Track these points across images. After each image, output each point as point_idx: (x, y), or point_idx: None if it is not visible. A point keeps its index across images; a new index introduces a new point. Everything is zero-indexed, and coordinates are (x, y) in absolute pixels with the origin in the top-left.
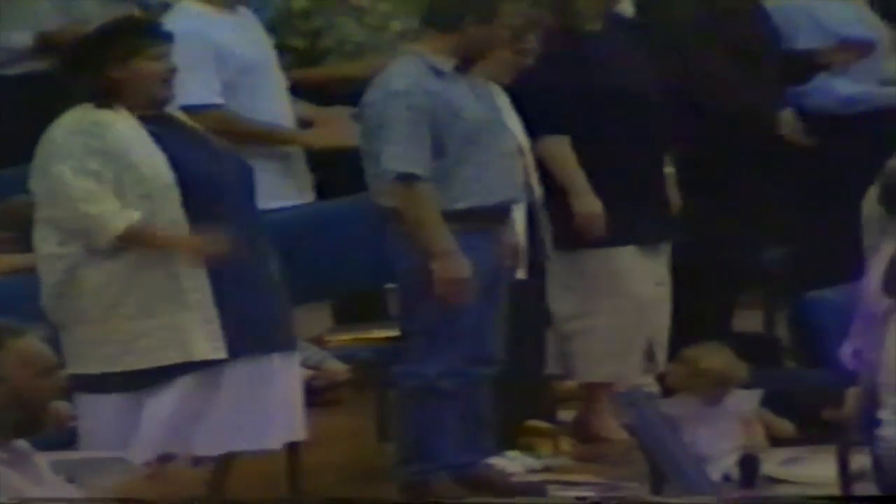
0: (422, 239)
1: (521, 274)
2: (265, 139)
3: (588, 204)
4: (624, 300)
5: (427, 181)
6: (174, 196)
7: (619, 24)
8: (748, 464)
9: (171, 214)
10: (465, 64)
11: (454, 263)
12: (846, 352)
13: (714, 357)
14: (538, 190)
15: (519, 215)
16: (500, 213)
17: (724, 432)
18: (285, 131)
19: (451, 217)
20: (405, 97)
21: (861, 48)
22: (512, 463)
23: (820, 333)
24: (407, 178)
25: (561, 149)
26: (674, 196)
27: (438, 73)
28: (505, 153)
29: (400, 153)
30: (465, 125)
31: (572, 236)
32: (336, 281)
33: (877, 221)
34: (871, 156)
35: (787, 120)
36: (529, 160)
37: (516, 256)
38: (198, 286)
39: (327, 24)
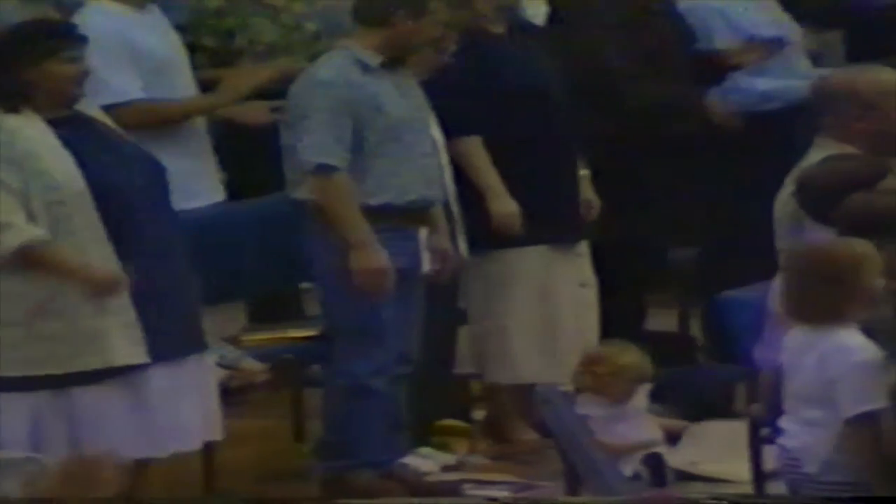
0: (339, 231)
1: (447, 275)
2: (190, 112)
3: (504, 204)
4: (536, 300)
5: (344, 173)
6: (87, 201)
7: (524, 27)
8: (653, 461)
9: (86, 219)
10: (394, 60)
11: (372, 255)
12: (760, 351)
13: (627, 354)
14: (452, 189)
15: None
16: (417, 212)
17: (634, 430)
18: (203, 98)
19: (367, 212)
20: (329, 87)
21: (770, 47)
22: (427, 462)
23: (733, 333)
24: (325, 169)
25: (474, 149)
26: (594, 197)
27: (365, 67)
28: (424, 152)
29: (319, 143)
30: (386, 120)
31: (485, 236)
32: (250, 280)
33: (789, 221)
34: (781, 154)
35: (716, 105)
36: (444, 158)
37: (445, 259)
38: None
39: (241, 23)
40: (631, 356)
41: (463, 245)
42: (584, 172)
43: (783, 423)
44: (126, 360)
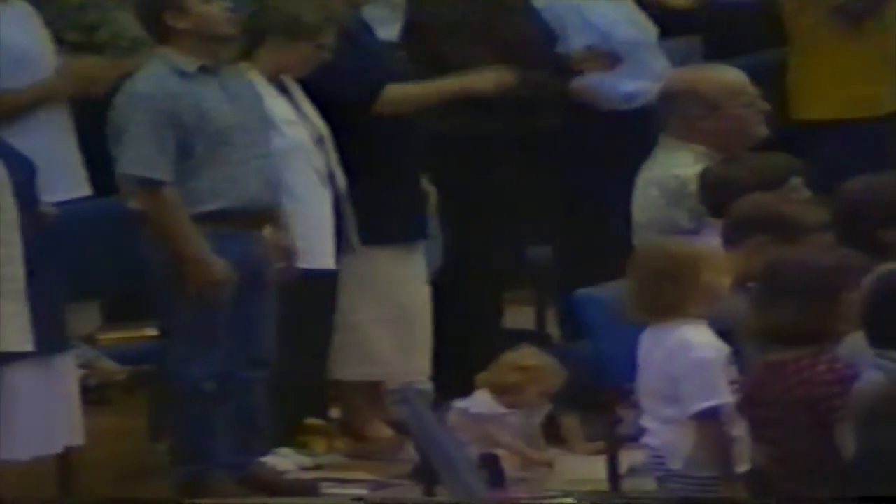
0: (171, 244)
1: (330, 265)
2: (39, 97)
3: None
4: (383, 299)
5: (171, 185)
6: None
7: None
8: (489, 462)
9: None
10: (218, 62)
11: (206, 268)
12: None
13: (539, 359)
14: (342, 181)
15: (325, 208)
16: (258, 215)
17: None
18: (48, 80)
19: (203, 219)
20: (148, 100)
21: (609, 59)
22: (285, 461)
23: (589, 330)
24: (149, 183)
25: None
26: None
27: (183, 74)
28: (260, 153)
29: (141, 157)
30: (213, 126)
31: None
32: (105, 279)
33: (661, 222)
34: (634, 153)
35: (583, 89)
36: (331, 150)
37: (289, 258)
38: (14, 275)
39: (103, 18)
40: (544, 359)
41: (355, 237)
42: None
43: (644, 421)
44: (14, 347)
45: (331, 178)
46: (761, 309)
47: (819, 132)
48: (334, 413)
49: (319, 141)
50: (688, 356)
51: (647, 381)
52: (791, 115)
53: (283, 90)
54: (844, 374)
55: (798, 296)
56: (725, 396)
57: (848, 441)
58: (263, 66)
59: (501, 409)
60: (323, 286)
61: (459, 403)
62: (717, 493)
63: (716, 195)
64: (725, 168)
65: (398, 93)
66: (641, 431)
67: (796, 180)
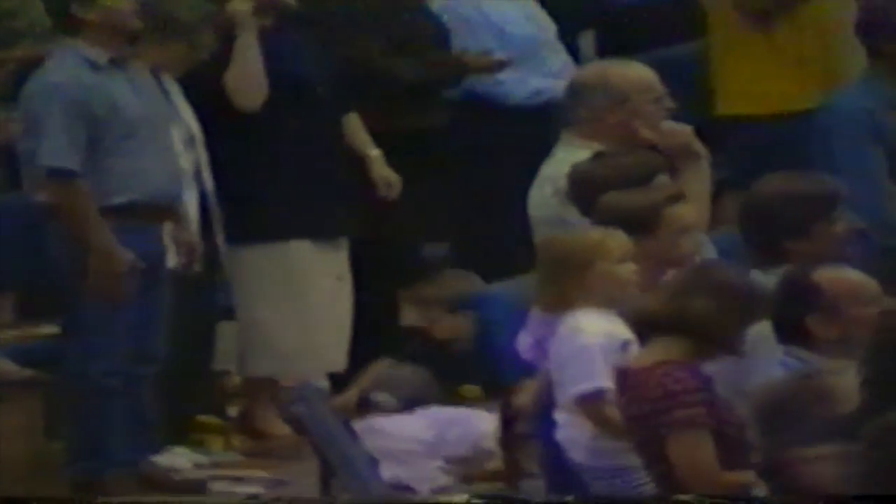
0: (78, 234)
1: (196, 267)
2: None
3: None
4: (296, 295)
5: (82, 176)
6: None
7: (291, 18)
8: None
9: None
10: (125, 56)
11: (111, 259)
12: (524, 342)
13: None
14: (210, 182)
15: (192, 209)
16: (162, 209)
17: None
18: None
19: (110, 212)
20: (60, 90)
21: (501, 61)
22: (179, 459)
23: (489, 328)
24: (61, 174)
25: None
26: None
27: (94, 66)
28: (165, 147)
29: (54, 148)
30: (123, 119)
31: (245, 230)
32: (9, 275)
33: (554, 220)
34: (529, 150)
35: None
36: (202, 152)
37: (191, 253)
38: None
39: (20, 4)
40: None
41: (221, 238)
42: (375, 153)
43: (556, 414)
44: None
45: (197, 177)
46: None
47: (733, 127)
48: (231, 410)
49: (190, 141)
50: (573, 341)
51: (551, 372)
52: (709, 111)
53: (162, 89)
54: (676, 389)
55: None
56: (606, 382)
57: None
58: (142, 62)
59: None
60: (197, 283)
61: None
62: (623, 485)
63: (583, 193)
64: (592, 166)
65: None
66: (553, 425)
67: (663, 178)
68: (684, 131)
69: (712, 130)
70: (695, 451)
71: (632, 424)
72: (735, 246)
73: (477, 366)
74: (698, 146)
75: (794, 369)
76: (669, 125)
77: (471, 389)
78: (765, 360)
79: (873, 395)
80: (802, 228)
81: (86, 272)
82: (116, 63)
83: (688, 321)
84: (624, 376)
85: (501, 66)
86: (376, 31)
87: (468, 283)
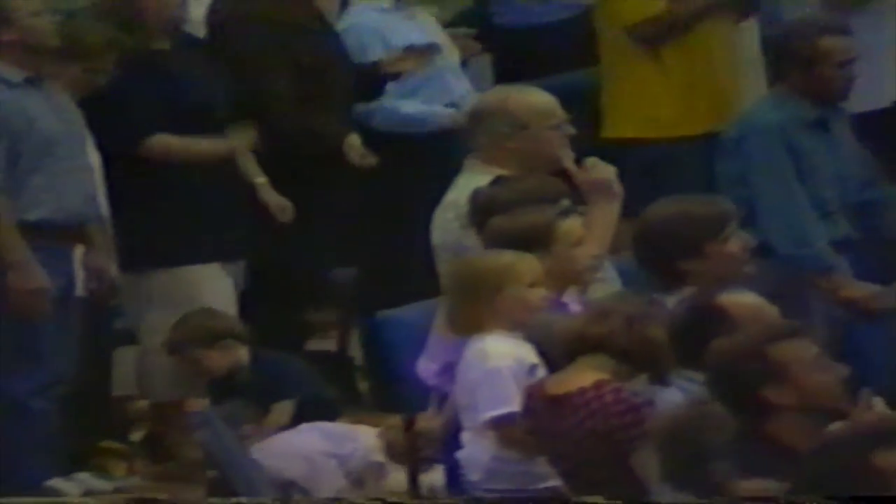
0: None
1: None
2: None
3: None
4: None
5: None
6: None
7: (190, 43)
8: None
9: None
10: (40, 76)
11: (28, 274)
12: (426, 368)
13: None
14: (105, 207)
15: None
16: (73, 230)
17: None
18: None
19: (22, 229)
20: None
21: (424, 53)
22: (79, 485)
23: (393, 351)
24: None
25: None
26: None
27: (10, 83)
28: (81, 167)
29: None
30: (39, 136)
31: (143, 254)
32: None
33: (455, 245)
34: (434, 176)
35: (352, 143)
36: (98, 176)
37: (102, 278)
38: None
39: None
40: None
41: (114, 262)
42: (261, 180)
43: (463, 436)
44: None
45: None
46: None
47: (624, 152)
48: (135, 436)
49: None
50: (482, 365)
51: (457, 394)
52: (600, 134)
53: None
54: (633, 403)
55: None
56: (517, 405)
57: (649, 463)
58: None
59: None
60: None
61: None
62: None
63: (485, 217)
64: (494, 190)
65: (161, 145)
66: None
67: (565, 202)
68: (607, 170)
69: (602, 155)
70: (654, 459)
71: (587, 442)
72: (635, 270)
73: (381, 389)
74: (618, 187)
75: (692, 393)
76: (594, 161)
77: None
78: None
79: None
80: (697, 248)
81: (2, 287)
82: (32, 82)
83: (641, 348)
84: (561, 399)
85: (426, 58)
86: (282, 56)
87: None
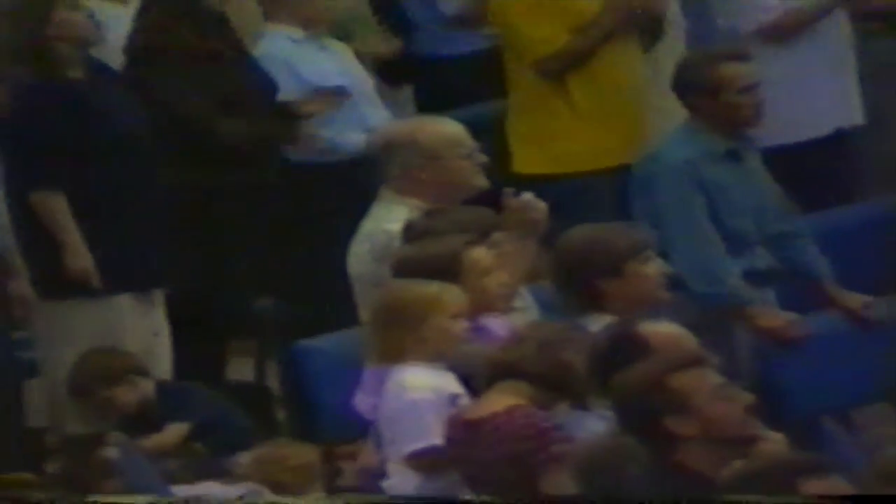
0: None
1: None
2: None
3: (77, 260)
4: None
5: None
6: None
7: (104, 72)
8: None
9: None
10: None
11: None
12: (363, 403)
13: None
14: (11, 240)
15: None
16: None
17: None
18: None
19: None
20: None
21: (335, 97)
22: None
23: (311, 382)
24: None
25: (50, 203)
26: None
27: None
28: None
29: None
30: None
31: (57, 286)
32: None
33: (371, 276)
34: (351, 204)
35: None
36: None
37: (24, 306)
38: None
39: None
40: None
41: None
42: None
43: (388, 466)
44: None
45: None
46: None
47: (531, 186)
48: (50, 467)
49: None
50: (401, 398)
51: (382, 424)
52: (509, 168)
53: None
54: (542, 428)
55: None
56: (437, 438)
57: (563, 487)
58: None
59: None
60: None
61: None
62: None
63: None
64: (429, 220)
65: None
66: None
67: (499, 235)
68: (539, 206)
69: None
70: (568, 483)
71: (497, 467)
72: (553, 300)
73: (298, 418)
74: (545, 226)
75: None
76: (528, 196)
77: None
78: (583, 413)
79: None
80: (616, 268)
81: None
82: None
83: (554, 372)
84: (476, 424)
85: (335, 101)
86: (202, 85)
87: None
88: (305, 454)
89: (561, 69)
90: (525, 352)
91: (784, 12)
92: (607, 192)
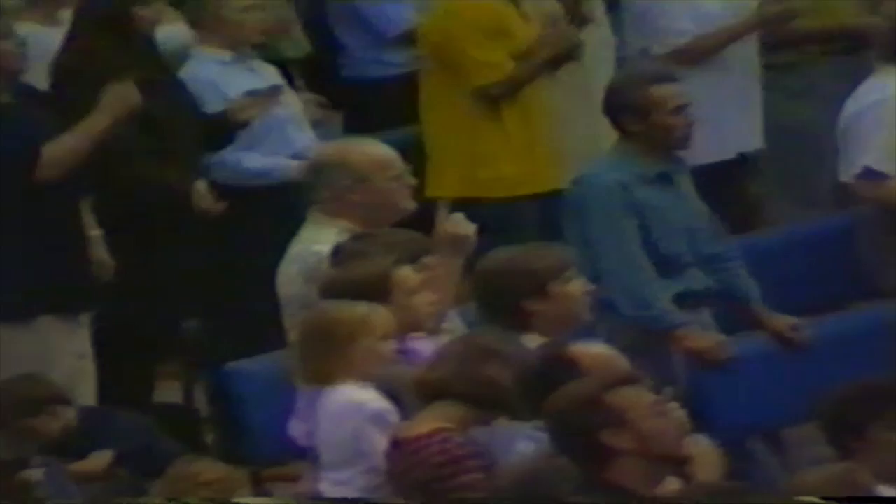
0: None
1: None
2: None
3: None
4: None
5: None
6: None
7: (30, 94)
8: None
9: None
10: None
11: None
12: (298, 429)
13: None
14: None
15: None
16: None
17: None
18: None
19: None
20: None
21: (267, 97)
22: None
23: (240, 404)
24: None
25: None
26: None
27: None
28: None
29: None
30: None
31: None
32: None
33: (301, 298)
34: (279, 227)
35: (199, 190)
36: None
37: None
38: None
39: None
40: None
41: None
42: (96, 233)
43: (322, 485)
44: None
45: None
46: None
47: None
48: None
49: None
50: (335, 418)
51: (319, 445)
52: (426, 192)
53: None
54: (456, 455)
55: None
56: (374, 457)
57: None
58: None
59: None
60: None
61: None
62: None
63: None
64: (358, 243)
65: (55, 151)
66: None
67: (430, 259)
68: (469, 227)
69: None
70: None
71: (414, 491)
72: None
73: (227, 441)
74: (472, 248)
75: (544, 443)
76: (459, 216)
77: None
78: (512, 433)
79: None
80: (541, 288)
81: None
82: None
83: (480, 390)
84: (401, 444)
85: (269, 103)
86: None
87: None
88: (216, 469)
89: (503, 95)
90: (448, 371)
91: (697, 36)
92: (536, 217)
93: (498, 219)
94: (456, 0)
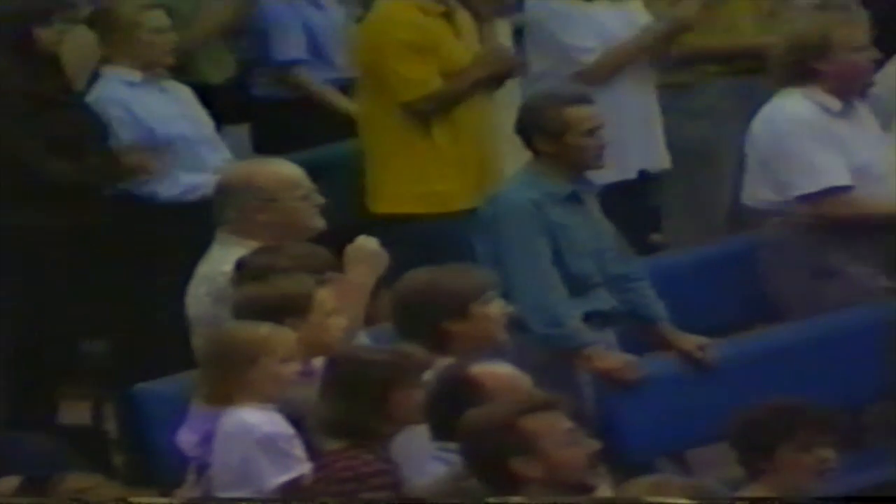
0: None
1: None
2: None
3: None
4: None
5: None
6: None
7: None
8: None
9: None
10: None
11: None
12: (185, 439)
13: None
14: None
15: None
16: None
17: None
18: None
19: None
20: None
21: (159, 152)
22: None
23: (148, 425)
24: None
25: None
26: None
27: None
28: None
29: None
30: None
31: None
32: None
33: (209, 318)
34: (190, 247)
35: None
36: None
37: None
38: None
39: None
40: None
41: None
42: None
43: None
44: None
45: None
46: (321, 400)
47: (394, 226)
48: None
49: None
50: (250, 436)
51: (214, 469)
52: (367, 208)
53: None
54: (361, 473)
55: (348, 390)
56: (303, 467)
57: None
58: None
59: None
60: None
61: None
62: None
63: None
64: (262, 257)
65: None
66: None
67: (332, 274)
68: (370, 242)
69: (369, 230)
70: None
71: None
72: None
73: (136, 463)
74: (384, 266)
75: (452, 464)
76: (362, 238)
77: None
78: (419, 455)
79: None
80: (461, 308)
81: None
82: None
83: (338, 422)
84: (315, 459)
85: (161, 156)
86: (34, 127)
87: None
88: (101, 485)
89: (430, 111)
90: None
91: (601, 56)
92: (458, 234)
93: (438, 235)
94: (385, 15)
